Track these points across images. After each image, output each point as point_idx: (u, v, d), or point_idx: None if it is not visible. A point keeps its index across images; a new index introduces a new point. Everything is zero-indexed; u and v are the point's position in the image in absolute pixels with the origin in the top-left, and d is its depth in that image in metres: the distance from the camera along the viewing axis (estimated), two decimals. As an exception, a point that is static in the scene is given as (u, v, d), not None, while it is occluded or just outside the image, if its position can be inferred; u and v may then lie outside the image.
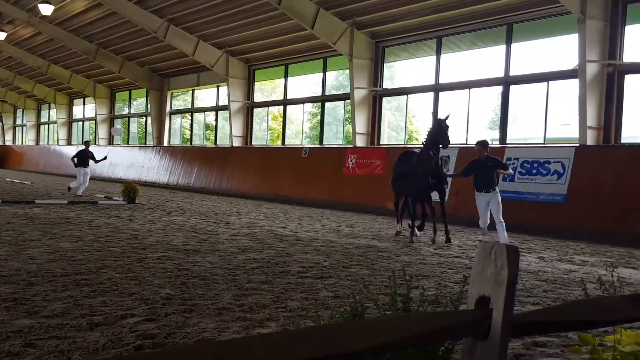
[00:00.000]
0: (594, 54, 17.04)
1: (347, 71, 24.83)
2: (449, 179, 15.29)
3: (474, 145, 13.64)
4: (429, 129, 13.85)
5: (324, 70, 27.59)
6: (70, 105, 50.67)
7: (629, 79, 17.42)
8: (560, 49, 19.37)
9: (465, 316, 2.50)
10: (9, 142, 61.48)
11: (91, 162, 24.42)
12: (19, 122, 60.72)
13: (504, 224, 13.02)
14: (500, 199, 13.03)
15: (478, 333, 2.47)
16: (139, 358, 1.84)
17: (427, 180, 13.54)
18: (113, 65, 37.39)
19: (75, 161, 24.31)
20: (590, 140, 17.22)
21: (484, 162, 13.00)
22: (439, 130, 13.38)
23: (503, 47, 20.42)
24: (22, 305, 6.54)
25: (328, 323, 4.23)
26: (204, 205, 22.38)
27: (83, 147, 25.24)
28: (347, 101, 26.10)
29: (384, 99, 24.99)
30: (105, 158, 25.66)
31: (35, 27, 35.98)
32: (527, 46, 20.61)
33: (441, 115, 14.03)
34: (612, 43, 17.23)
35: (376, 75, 24.46)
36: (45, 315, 6.18)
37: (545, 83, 19.36)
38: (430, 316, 2.50)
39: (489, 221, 13.19)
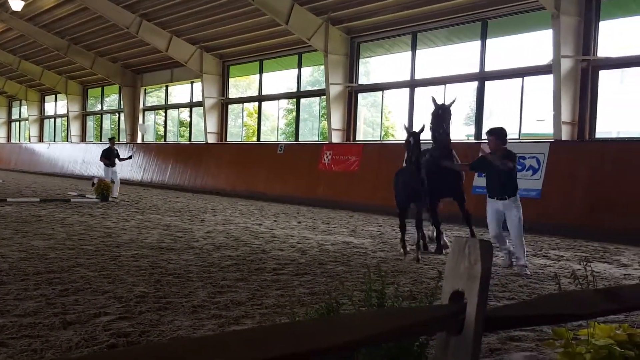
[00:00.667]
0: (568, 49, 17.16)
1: (323, 67, 24.80)
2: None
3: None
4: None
5: (299, 66, 27.51)
6: (42, 102, 50.05)
7: (603, 75, 17.56)
8: (535, 45, 19.50)
9: (439, 311, 2.49)
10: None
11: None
12: (-11, 119, 60.01)
13: (525, 245, 9.89)
14: (520, 212, 9.65)
15: (452, 328, 2.47)
16: (112, 356, 1.82)
17: (416, 179, 10.92)
18: (85, 61, 37.00)
19: (106, 161, 22.71)
20: (564, 136, 17.35)
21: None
22: (433, 118, 11.36)
23: (478, 42, 20.49)
24: (-7, 304, 6.46)
25: (303, 319, 4.21)
26: (178, 202, 22.26)
27: (108, 145, 23.46)
28: (322, 97, 26.06)
29: (360, 95, 24.99)
30: (130, 157, 24.96)
31: (6, 22, 35.50)
32: (501, 42, 20.75)
33: (447, 101, 11.76)
34: (586, 38, 17.35)
35: (351, 71, 24.45)
36: (17, 314, 6.11)
37: (520, 78, 19.47)
38: (404, 311, 2.50)
39: (497, 231, 9.94)
